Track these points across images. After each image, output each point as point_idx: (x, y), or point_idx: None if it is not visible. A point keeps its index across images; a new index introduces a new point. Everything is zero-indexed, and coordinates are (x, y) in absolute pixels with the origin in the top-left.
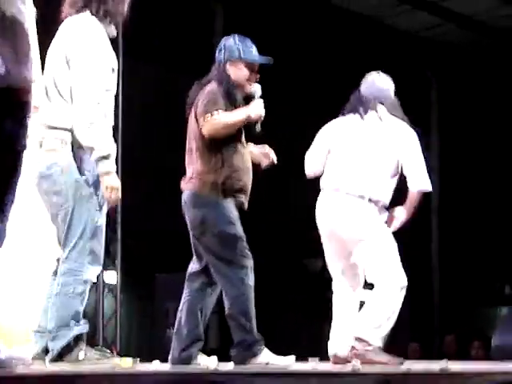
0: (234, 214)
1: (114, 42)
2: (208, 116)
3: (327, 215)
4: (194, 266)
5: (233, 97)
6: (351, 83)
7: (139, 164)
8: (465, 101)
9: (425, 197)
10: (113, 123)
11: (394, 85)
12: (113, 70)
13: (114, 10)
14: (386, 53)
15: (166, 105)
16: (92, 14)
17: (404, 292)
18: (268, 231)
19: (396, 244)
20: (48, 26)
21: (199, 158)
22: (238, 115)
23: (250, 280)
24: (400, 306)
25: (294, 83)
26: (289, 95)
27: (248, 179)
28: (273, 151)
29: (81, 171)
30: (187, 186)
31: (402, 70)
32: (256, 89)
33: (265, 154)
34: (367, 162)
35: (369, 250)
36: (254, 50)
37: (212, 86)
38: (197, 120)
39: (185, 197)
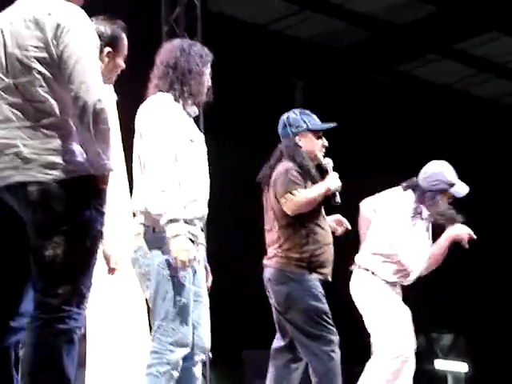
0: (319, 289)
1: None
2: (289, 195)
3: None
4: (277, 342)
5: (308, 170)
6: (437, 155)
7: (215, 237)
8: None
9: None
10: (201, 193)
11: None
12: (191, 140)
13: (196, 91)
14: (471, 122)
15: (247, 181)
16: (175, 95)
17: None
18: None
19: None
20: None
21: (282, 236)
22: (318, 190)
23: (337, 355)
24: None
25: (378, 156)
26: (371, 167)
27: (331, 253)
28: (345, 219)
29: (163, 253)
30: (271, 263)
31: (488, 138)
32: (328, 162)
33: (338, 222)
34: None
35: None
36: (316, 117)
37: (286, 164)
38: (277, 200)
39: (268, 274)
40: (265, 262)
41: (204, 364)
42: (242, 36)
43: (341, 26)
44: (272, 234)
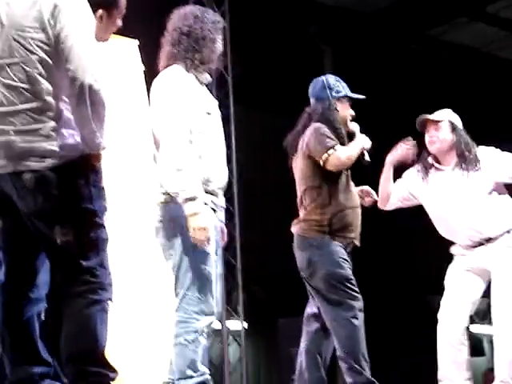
0: (341, 254)
1: (222, 89)
2: (332, 151)
3: None
4: (310, 308)
5: (342, 134)
6: (466, 119)
7: (258, 208)
8: None
9: None
10: (220, 163)
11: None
12: (208, 113)
13: (208, 58)
14: (502, 86)
15: (279, 148)
16: (187, 64)
17: None
18: (391, 268)
19: None
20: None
21: (308, 198)
22: (355, 147)
23: (359, 321)
24: None
25: (405, 119)
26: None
27: (356, 217)
28: (373, 191)
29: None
30: (295, 229)
31: None
32: (355, 126)
33: (365, 193)
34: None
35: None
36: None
37: (318, 124)
38: (311, 160)
39: (294, 240)
40: (292, 228)
41: (239, 333)
42: (270, 3)
43: None
44: (300, 197)
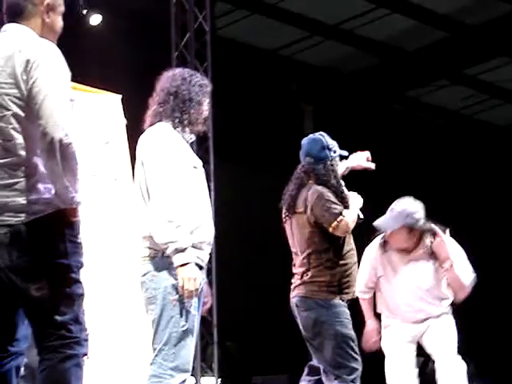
0: (347, 315)
1: (203, 145)
2: (339, 218)
3: None
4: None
5: (345, 197)
6: (446, 181)
7: (231, 264)
8: None
9: None
10: (207, 217)
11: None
12: (195, 167)
13: (195, 119)
14: (481, 148)
15: (258, 206)
16: (174, 123)
17: None
18: None
19: None
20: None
21: (313, 261)
22: (355, 210)
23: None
24: None
25: (386, 178)
26: (383, 192)
27: (357, 270)
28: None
29: (170, 278)
30: (299, 291)
31: (498, 164)
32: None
33: (365, 160)
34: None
35: None
36: None
37: (320, 189)
38: (317, 225)
39: (296, 301)
40: (293, 290)
41: None
42: (251, 61)
43: (351, 51)
44: (299, 258)
